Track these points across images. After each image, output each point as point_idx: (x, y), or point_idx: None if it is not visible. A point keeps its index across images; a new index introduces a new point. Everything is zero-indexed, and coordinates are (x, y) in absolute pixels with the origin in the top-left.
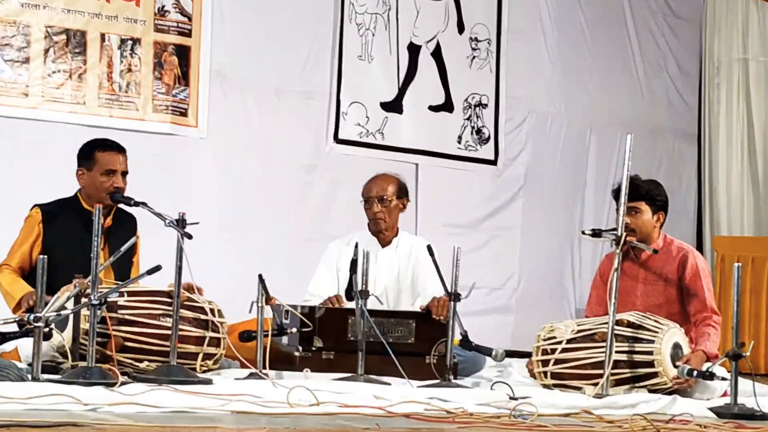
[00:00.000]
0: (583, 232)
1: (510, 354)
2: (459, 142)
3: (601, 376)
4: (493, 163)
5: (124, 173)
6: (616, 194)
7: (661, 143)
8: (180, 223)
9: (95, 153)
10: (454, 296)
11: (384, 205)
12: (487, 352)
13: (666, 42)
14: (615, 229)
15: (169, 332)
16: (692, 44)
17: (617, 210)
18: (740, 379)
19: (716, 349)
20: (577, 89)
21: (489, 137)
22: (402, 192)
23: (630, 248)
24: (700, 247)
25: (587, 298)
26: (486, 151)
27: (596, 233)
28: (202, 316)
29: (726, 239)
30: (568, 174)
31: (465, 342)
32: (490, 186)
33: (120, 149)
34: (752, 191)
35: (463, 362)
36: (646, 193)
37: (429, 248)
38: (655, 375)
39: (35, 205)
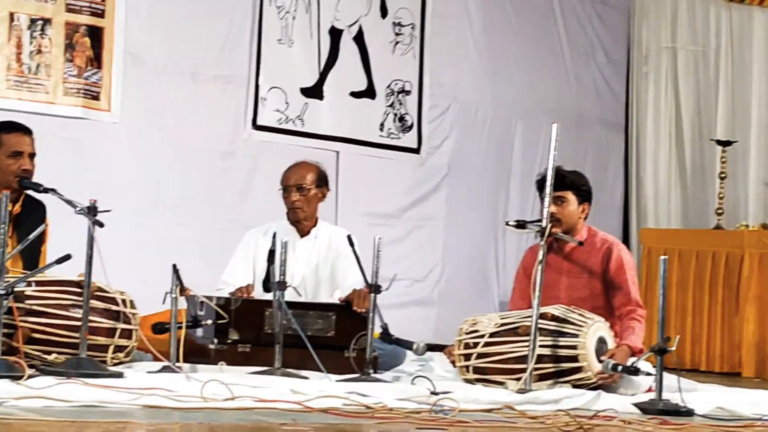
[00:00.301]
0: (507, 223)
1: (432, 348)
2: (381, 130)
3: (524, 370)
4: (416, 151)
5: (32, 155)
6: (540, 184)
7: (588, 133)
8: (91, 211)
9: (0, 135)
10: (375, 288)
11: (302, 194)
12: (407, 345)
13: (594, 30)
14: (540, 220)
15: (78, 323)
16: (620, 32)
17: (541, 200)
18: (665, 375)
19: (641, 344)
20: (503, 77)
21: (412, 125)
22: (321, 181)
23: (554, 240)
24: (626, 240)
25: (512, 291)
26: (409, 139)
27: (520, 224)
28: (114, 307)
29: (653, 231)
30: (493, 164)
31: (385, 335)
32: (413, 175)
33: (26, 130)
34: (680, 183)
35: (383, 356)
36: (571, 183)
37: (349, 238)
38: (579, 370)
39: None
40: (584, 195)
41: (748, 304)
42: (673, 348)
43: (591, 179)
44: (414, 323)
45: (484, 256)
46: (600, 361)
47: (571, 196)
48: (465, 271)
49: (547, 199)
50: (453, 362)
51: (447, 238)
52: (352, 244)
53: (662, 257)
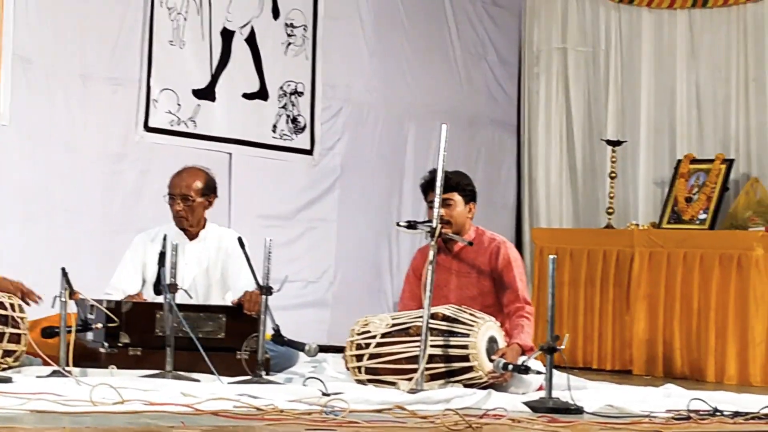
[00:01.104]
0: (398, 224)
1: (325, 349)
2: (274, 131)
3: (416, 370)
4: (309, 153)
5: None
6: (425, 188)
7: (480, 133)
8: None
9: None
10: (266, 290)
11: (187, 204)
12: (299, 347)
13: (485, 30)
14: (430, 221)
15: None
16: (512, 33)
17: (427, 203)
18: (556, 373)
19: (531, 341)
20: (395, 78)
21: (305, 126)
22: (208, 189)
23: (443, 241)
24: (519, 239)
25: (401, 292)
26: (301, 141)
27: (411, 225)
28: (1, 311)
29: (545, 231)
30: (385, 165)
31: (277, 337)
32: (306, 177)
33: None
34: (571, 183)
35: (275, 357)
36: (456, 184)
37: (240, 240)
38: (470, 369)
39: None
40: (469, 195)
41: (639, 302)
42: (563, 346)
43: (484, 180)
44: (308, 325)
45: (378, 258)
46: (491, 361)
47: (457, 197)
48: (358, 273)
49: (437, 201)
50: (345, 362)
51: (340, 239)
52: (242, 246)
53: (551, 256)
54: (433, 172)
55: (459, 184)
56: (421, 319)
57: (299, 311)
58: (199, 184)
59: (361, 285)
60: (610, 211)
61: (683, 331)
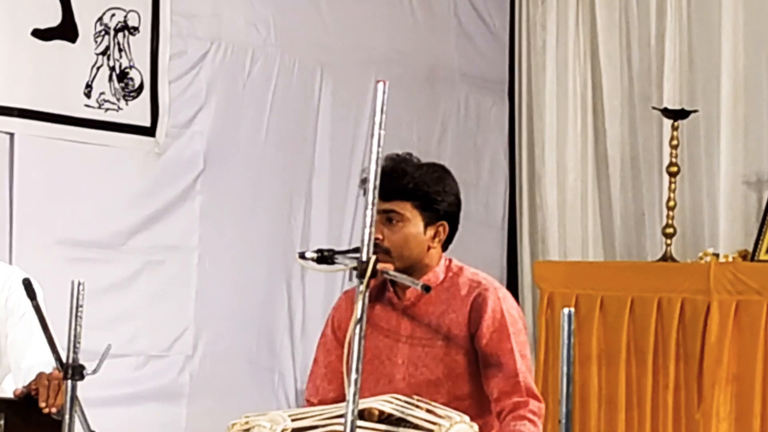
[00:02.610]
0: (302, 256)
1: None
2: (88, 96)
3: None
4: (149, 132)
5: None
6: (365, 184)
7: (446, 97)
8: None
9: None
10: (74, 371)
11: None
12: None
13: None
14: (357, 250)
15: None
16: None
17: (365, 215)
18: None
19: None
20: (300, 3)
21: (142, 86)
22: None
23: (389, 284)
24: (512, 279)
25: (311, 367)
26: (136, 112)
27: (324, 257)
28: None
29: (556, 266)
30: (283, 150)
31: None
32: (144, 174)
33: None
34: (600, 184)
35: None
36: (415, 186)
37: (27, 285)
38: None
39: None
40: (438, 209)
41: (719, 389)
42: None
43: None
44: (149, 430)
45: (270, 311)
46: None
47: (411, 211)
48: (236, 338)
49: (368, 214)
50: None
51: (204, 281)
52: (32, 295)
53: (566, 310)
54: (387, 160)
55: (417, 186)
56: (339, 421)
57: (132, 407)
58: None
59: (240, 360)
60: (669, 232)
61: None
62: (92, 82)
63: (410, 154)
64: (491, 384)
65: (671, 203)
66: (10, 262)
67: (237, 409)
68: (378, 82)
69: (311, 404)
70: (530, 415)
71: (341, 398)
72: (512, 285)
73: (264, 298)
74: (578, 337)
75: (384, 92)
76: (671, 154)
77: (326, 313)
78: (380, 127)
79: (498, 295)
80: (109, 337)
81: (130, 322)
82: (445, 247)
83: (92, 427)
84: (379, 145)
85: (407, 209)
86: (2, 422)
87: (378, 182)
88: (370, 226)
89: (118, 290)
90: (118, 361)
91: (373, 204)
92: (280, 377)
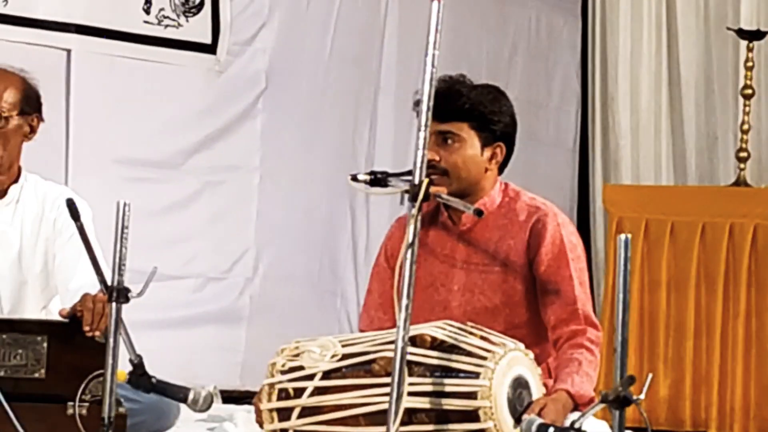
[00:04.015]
0: (354, 178)
1: (234, 398)
2: (147, 12)
3: None
4: (210, 49)
5: None
6: (419, 105)
7: (516, 14)
8: None
9: None
10: (117, 294)
11: None
12: (179, 394)
13: None
14: (411, 172)
15: None
16: None
17: (417, 137)
18: None
19: (592, 389)
20: None
21: (203, 2)
22: (30, 104)
23: (442, 208)
24: (583, 204)
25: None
26: (196, 28)
27: (378, 180)
28: None
29: (627, 190)
30: (347, 69)
31: (139, 377)
32: (205, 92)
33: None
34: (672, 106)
35: (137, 413)
36: (469, 106)
37: (70, 205)
38: None
39: None
40: (494, 130)
41: None
42: (641, 396)
43: (520, 98)
44: (207, 354)
45: (331, 235)
46: (518, 421)
47: (466, 131)
48: (296, 261)
49: (420, 136)
50: (260, 422)
51: (266, 203)
52: (75, 215)
53: (623, 236)
54: (439, 81)
55: (475, 105)
56: (391, 347)
57: (190, 330)
58: (13, 94)
59: (302, 282)
60: (743, 156)
61: None
62: None
63: (464, 76)
64: (549, 311)
65: (745, 126)
66: (66, 183)
67: (297, 332)
68: (432, 0)
69: None
70: (588, 344)
71: (394, 325)
72: (583, 209)
73: (327, 219)
74: (647, 262)
75: (438, 11)
76: (746, 76)
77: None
78: (434, 47)
79: (557, 220)
80: (167, 258)
81: (189, 244)
82: (501, 170)
83: (138, 351)
84: (433, 66)
85: (464, 130)
86: (45, 345)
87: (431, 103)
88: (423, 147)
89: (177, 211)
90: (177, 283)
91: (426, 126)
92: (343, 300)
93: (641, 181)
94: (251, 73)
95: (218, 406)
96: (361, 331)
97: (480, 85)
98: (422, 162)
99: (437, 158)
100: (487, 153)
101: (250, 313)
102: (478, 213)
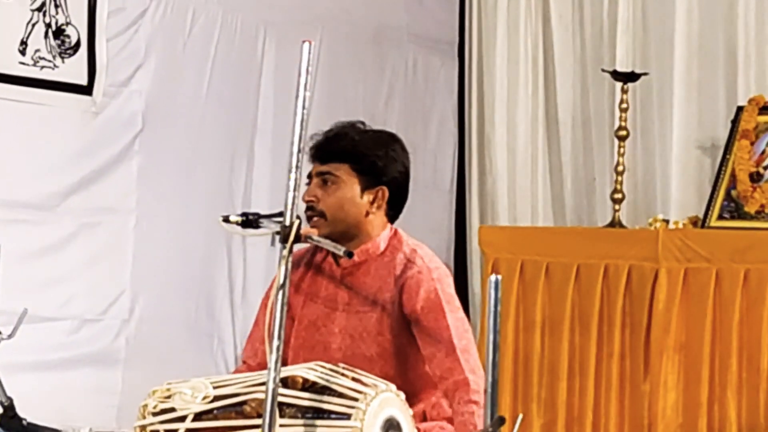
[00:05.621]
0: (226, 219)
1: None
2: (23, 53)
3: None
4: (86, 90)
5: None
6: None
7: (393, 57)
8: None
9: None
10: None
11: None
12: None
13: None
14: (282, 214)
15: None
16: None
17: (288, 179)
18: None
19: None
20: None
21: (78, 44)
22: None
23: (325, 250)
24: (460, 246)
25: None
26: (72, 70)
27: (249, 221)
28: None
29: (502, 232)
30: (225, 110)
31: (9, 419)
32: (80, 134)
33: None
34: (550, 146)
35: None
36: (353, 148)
37: None
38: None
39: None
40: (376, 173)
41: (666, 359)
42: None
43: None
44: (83, 397)
45: (209, 275)
46: None
47: (348, 173)
48: (173, 303)
49: (291, 177)
50: None
51: (141, 244)
52: None
53: (493, 277)
54: (329, 132)
55: (356, 148)
56: (263, 388)
57: (65, 372)
58: None
59: (178, 324)
60: (618, 197)
61: (748, 409)
62: (27, 39)
63: (363, 123)
64: (432, 365)
65: (620, 168)
66: None
67: (174, 374)
68: (304, 42)
69: (248, 366)
70: (473, 396)
71: (282, 362)
72: (460, 250)
73: (203, 262)
74: (522, 304)
75: (309, 52)
76: (621, 117)
77: (267, 277)
78: (305, 89)
79: (432, 276)
80: (42, 300)
81: (64, 286)
82: (394, 217)
83: (10, 394)
84: (304, 107)
85: (342, 171)
86: None
87: (302, 145)
88: (294, 189)
89: (52, 253)
90: (53, 325)
91: (297, 167)
92: (219, 342)
93: (518, 222)
94: (127, 114)
95: None
96: (244, 361)
97: (374, 130)
98: (293, 203)
99: (314, 199)
100: (368, 196)
101: (126, 356)
102: (349, 255)
